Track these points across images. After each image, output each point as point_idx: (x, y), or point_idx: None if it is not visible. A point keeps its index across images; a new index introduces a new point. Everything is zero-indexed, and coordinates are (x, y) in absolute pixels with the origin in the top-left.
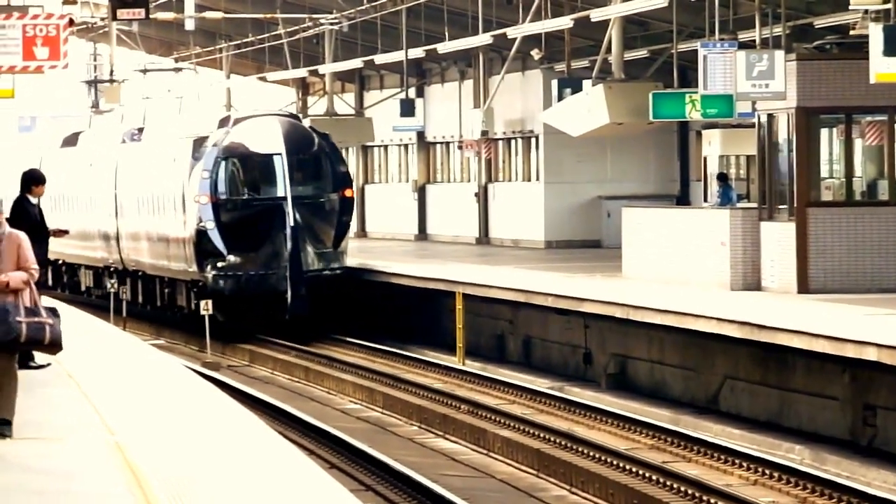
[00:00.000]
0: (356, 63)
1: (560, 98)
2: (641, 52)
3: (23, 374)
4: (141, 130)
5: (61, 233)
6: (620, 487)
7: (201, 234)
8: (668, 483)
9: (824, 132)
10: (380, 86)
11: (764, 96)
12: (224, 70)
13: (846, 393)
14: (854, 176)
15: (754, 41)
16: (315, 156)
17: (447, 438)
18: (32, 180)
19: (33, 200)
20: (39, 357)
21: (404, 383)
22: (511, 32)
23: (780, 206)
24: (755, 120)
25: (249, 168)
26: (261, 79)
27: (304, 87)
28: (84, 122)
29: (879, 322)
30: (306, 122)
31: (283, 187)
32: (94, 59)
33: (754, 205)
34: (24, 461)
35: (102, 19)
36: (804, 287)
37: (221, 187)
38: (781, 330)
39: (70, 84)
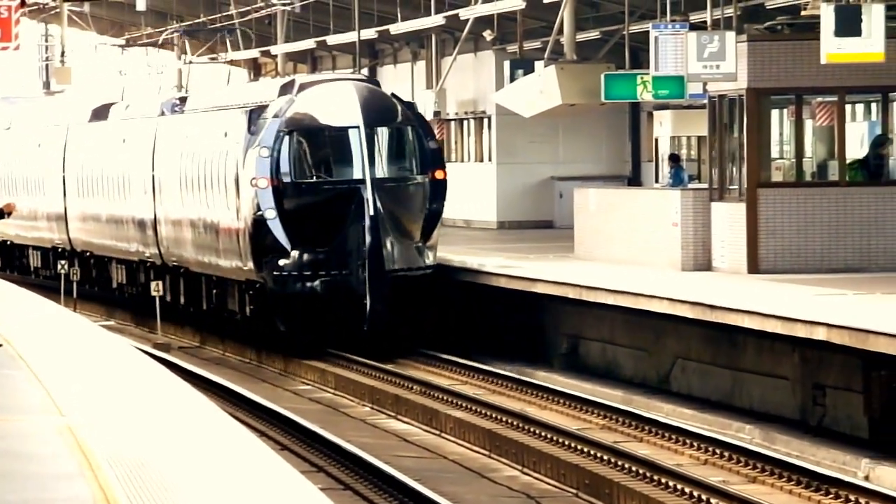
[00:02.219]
0: (308, 44)
1: (512, 79)
2: (593, 34)
3: None
4: (183, 100)
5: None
6: (572, 467)
7: (259, 225)
8: (620, 463)
9: (775, 113)
10: (332, 66)
11: (715, 77)
12: (175, 51)
13: (796, 373)
14: (804, 157)
15: (705, 22)
16: (399, 129)
17: (399, 419)
18: None
19: None
20: None
21: (356, 364)
22: (463, 13)
23: (731, 187)
24: (706, 101)
25: (319, 144)
26: (212, 59)
27: (256, 67)
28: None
29: (829, 302)
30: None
31: (360, 168)
32: (46, 41)
33: (705, 186)
34: None
35: (54, 0)
36: (754, 267)
37: (284, 168)
38: (732, 310)
39: (21, 65)
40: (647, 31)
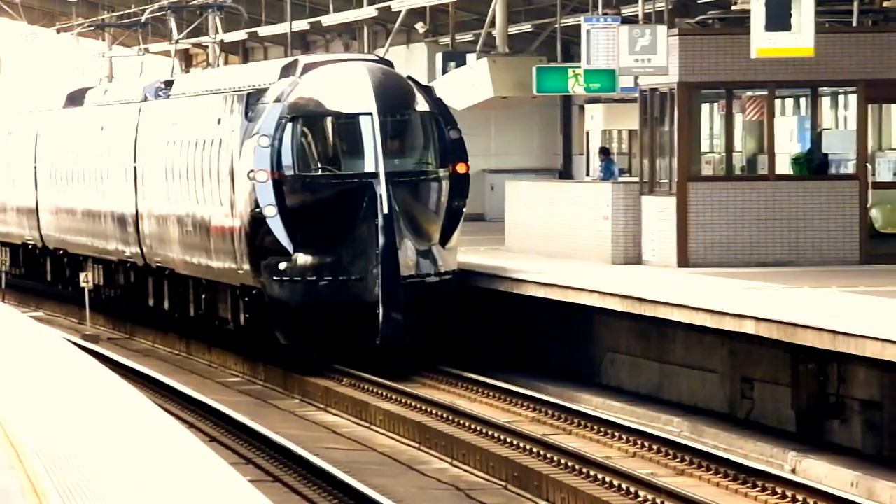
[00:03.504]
0: (240, 35)
1: (444, 71)
2: (525, 27)
3: None
4: (169, 84)
5: None
6: (501, 460)
7: (258, 224)
8: (549, 455)
9: (705, 107)
10: (264, 57)
11: (646, 71)
12: (106, 41)
13: (725, 366)
14: (734, 150)
15: (637, 16)
16: (417, 116)
17: (329, 412)
18: None
19: None
20: None
21: (285, 357)
22: (395, 5)
23: (661, 181)
24: (637, 95)
25: (326, 133)
26: (144, 50)
27: (187, 58)
28: None
29: (757, 295)
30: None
31: (373, 160)
32: None
33: (636, 179)
34: None
35: None
36: (684, 261)
37: (287, 159)
38: (662, 303)
39: None
40: (579, 25)
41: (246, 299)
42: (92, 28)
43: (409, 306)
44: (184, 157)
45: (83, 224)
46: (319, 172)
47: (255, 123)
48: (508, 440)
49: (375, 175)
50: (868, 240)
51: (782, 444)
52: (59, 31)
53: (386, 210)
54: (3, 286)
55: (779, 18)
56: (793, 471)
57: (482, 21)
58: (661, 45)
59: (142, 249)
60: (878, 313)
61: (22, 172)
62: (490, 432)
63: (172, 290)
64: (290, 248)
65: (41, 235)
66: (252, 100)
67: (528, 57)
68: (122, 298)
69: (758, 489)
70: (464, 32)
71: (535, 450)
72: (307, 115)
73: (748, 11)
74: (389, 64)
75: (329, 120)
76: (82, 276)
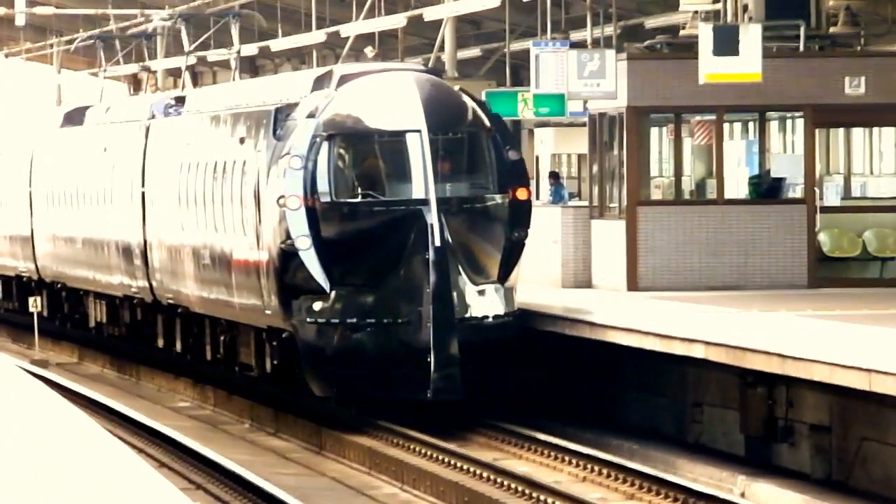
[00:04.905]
0: (191, 60)
1: None
2: (475, 51)
3: None
4: (181, 100)
5: None
6: (452, 485)
7: (288, 257)
8: (499, 480)
9: (654, 131)
10: (213, 81)
11: (595, 95)
12: (55, 65)
13: (675, 390)
14: (683, 175)
15: (586, 41)
16: (472, 135)
17: (279, 437)
18: None
19: None
20: None
21: (236, 382)
22: (344, 30)
23: (611, 205)
24: (586, 119)
25: (368, 153)
26: (92, 74)
27: (135, 82)
28: None
29: (707, 319)
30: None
31: (422, 184)
32: None
33: (585, 203)
34: None
35: None
36: (633, 285)
37: (322, 183)
38: (611, 327)
39: None
40: (528, 49)
41: (273, 343)
42: (78, 47)
43: (464, 352)
44: (200, 181)
45: (84, 254)
46: (360, 199)
47: (285, 143)
48: (459, 465)
49: (425, 202)
50: (816, 264)
51: (731, 468)
52: (7, 55)
53: (438, 242)
54: None
55: (727, 44)
56: (742, 494)
57: (431, 45)
58: (610, 70)
59: (150, 284)
60: (826, 337)
61: (15, 197)
62: (440, 457)
63: (186, 330)
64: (326, 285)
65: (37, 267)
66: (281, 116)
67: (478, 81)
68: (128, 338)
69: None
70: (413, 56)
71: (485, 474)
72: (346, 133)
73: (696, 37)
74: (439, 73)
75: (371, 138)
76: (31, 300)
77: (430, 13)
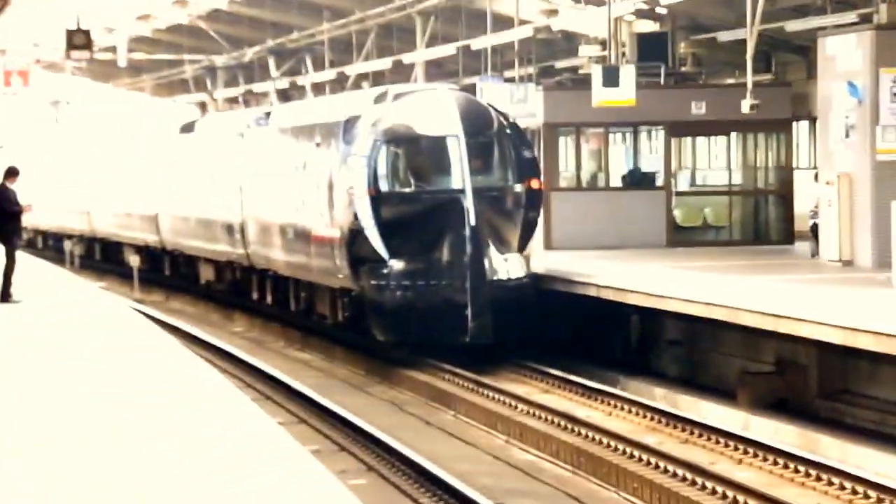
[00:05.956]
0: (240, 90)
1: None
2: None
3: None
4: (268, 115)
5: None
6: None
7: (356, 235)
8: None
9: (563, 140)
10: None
11: (522, 115)
12: (147, 94)
13: (577, 322)
14: (582, 170)
15: (514, 77)
16: (496, 138)
17: (304, 352)
18: (9, 173)
19: (10, 186)
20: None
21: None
22: (348, 70)
23: None
24: None
25: (417, 153)
26: (173, 101)
27: (202, 107)
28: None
29: (598, 266)
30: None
31: (460, 177)
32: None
33: None
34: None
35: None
36: (549, 245)
37: (382, 177)
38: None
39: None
40: (475, 83)
41: (345, 300)
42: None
43: (493, 307)
44: (285, 175)
45: (196, 230)
46: (412, 189)
47: (353, 146)
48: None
49: (462, 191)
50: (672, 231)
51: (615, 372)
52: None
53: (473, 222)
54: (77, 266)
55: (611, 79)
56: (622, 389)
57: (408, 80)
58: (532, 97)
59: (247, 252)
60: (680, 281)
61: (146, 186)
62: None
63: (274, 287)
64: (385, 256)
65: (161, 239)
66: (349, 125)
67: None
68: (230, 292)
69: (598, 402)
70: None
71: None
72: (399, 138)
73: (590, 74)
74: (472, 91)
75: (419, 142)
76: (132, 257)
77: (407, 58)
